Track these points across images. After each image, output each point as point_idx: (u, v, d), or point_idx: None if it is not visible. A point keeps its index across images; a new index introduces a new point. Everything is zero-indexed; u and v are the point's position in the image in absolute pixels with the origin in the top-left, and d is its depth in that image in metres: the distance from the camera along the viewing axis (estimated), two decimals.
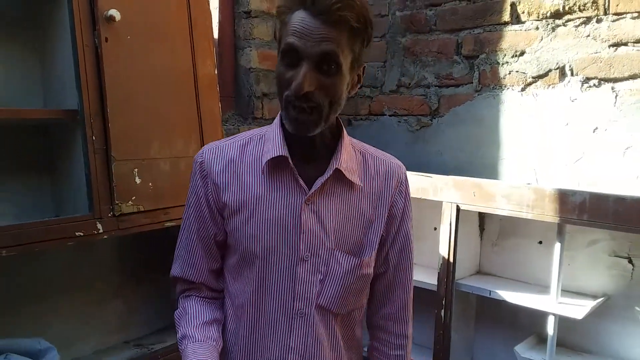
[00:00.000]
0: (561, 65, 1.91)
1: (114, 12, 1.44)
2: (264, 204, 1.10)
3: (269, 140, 1.12)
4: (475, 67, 2.11)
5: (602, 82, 1.83)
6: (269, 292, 1.12)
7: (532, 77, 1.98)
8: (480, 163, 2.09)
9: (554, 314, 1.71)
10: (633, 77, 1.76)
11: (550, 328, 1.72)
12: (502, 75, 2.05)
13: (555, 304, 1.71)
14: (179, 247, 1.21)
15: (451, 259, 1.85)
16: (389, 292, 1.22)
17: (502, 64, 2.04)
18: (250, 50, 2.31)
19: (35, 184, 1.60)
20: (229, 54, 2.32)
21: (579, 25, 1.86)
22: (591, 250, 1.81)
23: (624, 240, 1.75)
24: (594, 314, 1.75)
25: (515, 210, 1.72)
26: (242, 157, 1.14)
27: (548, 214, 1.65)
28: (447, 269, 1.87)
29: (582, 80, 1.87)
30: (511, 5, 2.00)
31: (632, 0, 1.74)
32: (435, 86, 2.22)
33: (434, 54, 2.20)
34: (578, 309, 1.68)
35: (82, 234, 1.41)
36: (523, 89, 2.01)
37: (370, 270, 1.15)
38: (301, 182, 1.08)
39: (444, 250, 1.87)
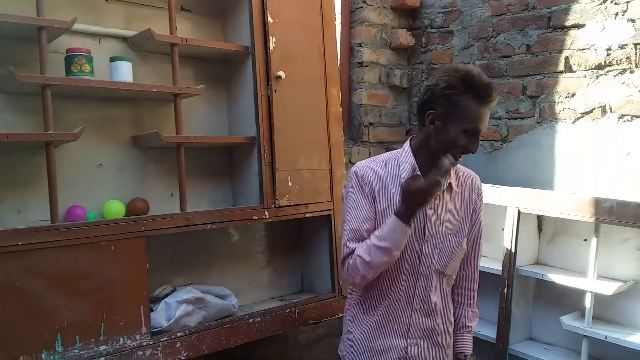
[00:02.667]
0: (603, 104, 2.32)
1: (281, 73, 2.04)
2: None
3: (404, 163, 1.60)
4: (537, 104, 2.53)
5: (634, 118, 2.23)
6: (404, 260, 1.59)
7: (581, 113, 2.38)
8: (538, 178, 2.50)
9: (590, 291, 2.15)
10: None
11: (588, 301, 2.15)
12: (557, 111, 2.47)
13: (591, 283, 2.14)
14: (352, 232, 1.58)
15: (512, 249, 2.33)
16: (468, 260, 1.72)
17: (558, 102, 2.46)
18: (362, 91, 2.90)
19: (220, 185, 2.24)
20: (345, 93, 2.91)
21: (616, 75, 2.27)
22: (624, 245, 2.19)
23: None
24: (624, 294, 2.15)
25: (563, 213, 2.18)
26: (386, 173, 1.61)
27: (586, 216, 2.09)
28: (509, 257, 2.34)
29: (619, 116, 2.27)
30: (565, 59, 2.42)
31: None
32: (505, 118, 2.67)
33: (504, 94, 2.67)
34: (609, 287, 2.09)
35: (256, 217, 2.03)
36: (573, 122, 2.41)
37: (465, 246, 1.67)
38: None
39: (507, 242, 2.36)
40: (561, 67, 2.46)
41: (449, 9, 2.90)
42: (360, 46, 2.86)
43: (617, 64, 2.27)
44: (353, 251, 1.58)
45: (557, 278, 2.25)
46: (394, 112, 3.05)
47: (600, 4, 2.30)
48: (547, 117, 2.52)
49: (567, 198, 2.15)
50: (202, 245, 2.13)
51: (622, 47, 2.24)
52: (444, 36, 2.94)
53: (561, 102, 2.46)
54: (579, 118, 2.41)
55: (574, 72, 2.42)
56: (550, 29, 2.48)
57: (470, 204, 1.67)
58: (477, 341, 2.46)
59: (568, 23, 2.41)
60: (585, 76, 2.38)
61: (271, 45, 2.04)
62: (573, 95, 2.42)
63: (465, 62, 2.83)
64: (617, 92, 2.28)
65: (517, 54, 2.62)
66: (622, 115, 2.26)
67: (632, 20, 2.20)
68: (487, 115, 1.50)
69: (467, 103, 1.46)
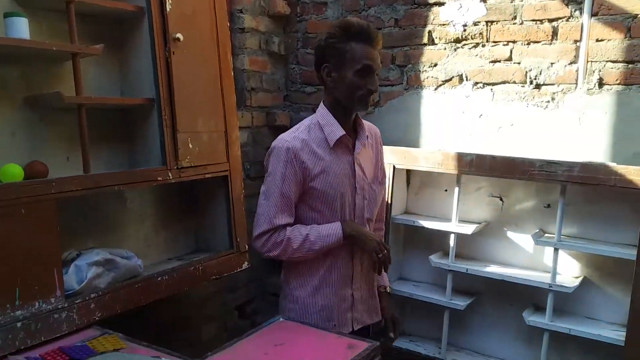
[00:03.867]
0: (460, 73, 2.65)
1: (179, 35, 2.03)
2: (333, 165, 1.71)
3: (327, 125, 1.68)
4: (405, 73, 2.80)
5: (485, 85, 2.59)
6: (341, 215, 1.74)
7: (442, 81, 2.70)
8: (407, 138, 2.78)
9: (453, 232, 2.52)
10: (504, 82, 2.54)
11: (452, 241, 2.53)
12: (422, 79, 2.76)
13: (454, 226, 2.50)
14: (278, 206, 1.68)
15: (389, 201, 2.62)
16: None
17: (422, 71, 2.75)
18: (244, 57, 2.96)
19: (116, 148, 2.19)
20: None
21: (471, 48, 2.60)
22: (478, 193, 2.59)
23: (497, 185, 2.52)
24: (478, 234, 2.54)
25: (431, 167, 2.49)
26: (310, 139, 1.68)
27: (450, 168, 2.43)
28: (387, 208, 2.63)
29: (473, 84, 2.61)
30: (428, 32, 2.70)
31: (504, 33, 2.53)
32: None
33: None
34: (468, 228, 2.46)
35: (160, 179, 2.05)
36: (436, 89, 2.72)
37: (383, 192, 1.88)
38: (350, 147, 1.74)
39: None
40: (425, 40, 2.75)
41: None
42: (241, 12, 2.91)
43: (472, 39, 2.61)
44: (279, 227, 1.68)
45: (427, 224, 2.58)
46: (272, 78, 3.16)
47: None
48: (413, 84, 2.81)
49: (435, 154, 2.47)
50: (98, 210, 2.09)
51: (476, 24, 2.59)
52: (318, 7, 3.10)
53: (425, 71, 2.77)
54: (440, 85, 2.73)
55: (436, 44, 2.72)
56: (415, 6, 2.76)
57: (378, 153, 1.87)
58: None
59: (431, 0, 2.71)
60: (445, 48, 2.70)
61: (168, 7, 2.03)
62: (435, 65, 2.74)
63: None
64: (471, 63, 2.63)
65: (386, 27, 2.86)
66: (476, 83, 2.63)
67: (484, 1, 2.56)
68: (373, 54, 1.62)
69: (351, 47, 1.60)
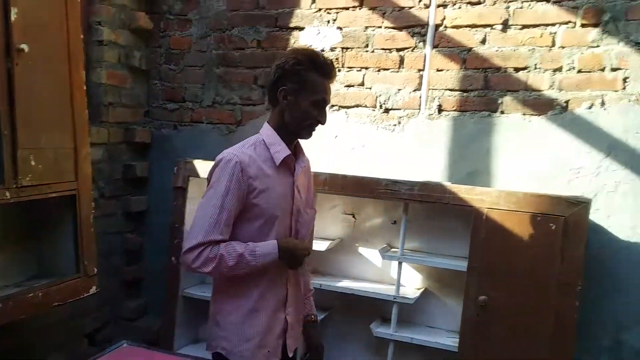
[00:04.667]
0: None
1: (24, 46, 1.94)
2: (277, 184, 1.69)
3: (272, 144, 1.69)
4: (266, 93, 2.94)
5: (341, 108, 2.74)
6: (279, 235, 1.69)
7: None
8: None
9: None
10: (357, 105, 2.70)
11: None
12: None
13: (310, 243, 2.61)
14: (216, 220, 1.60)
15: None
16: None
17: None
18: (101, 70, 2.86)
19: None
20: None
21: None
22: (333, 211, 2.71)
23: (350, 203, 2.67)
24: (333, 250, 2.65)
25: None
26: (257, 156, 1.67)
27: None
28: None
29: (330, 106, 2.78)
30: None
31: (357, 60, 2.70)
32: (240, 104, 2.95)
33: (239, 82, 2.94)
34: (322, 245, 2.56)
35: None
36: None
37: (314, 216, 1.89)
38: (292, 169, 1.74)
39: None
40: None
41: None
42: (100, 24, 2.82)
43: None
44: (212, 242, 1.61)
45: None
46: (132, 93, 3.09)
47: (316, 11, 2.76)
48: None
49: None
50: None
51: (332, 49, 2.74)
52: (182, 23, 3.08)
53: None
54: None
55: None
56: (277, 29, 2.86)
57: (310, 180, 1.90)
58: None
59: (292, 25, 2.82)
60: None
61: (13, 16, 1.93)
62: None
63: (203, 50, 3.04)
64: None
65: (249, 47, 2.92)
66: (332, 106, 2.76)
67: (340, 28, 2.71)
68: (330, 89, 1.69)
69: (314, 78, 1.64)
